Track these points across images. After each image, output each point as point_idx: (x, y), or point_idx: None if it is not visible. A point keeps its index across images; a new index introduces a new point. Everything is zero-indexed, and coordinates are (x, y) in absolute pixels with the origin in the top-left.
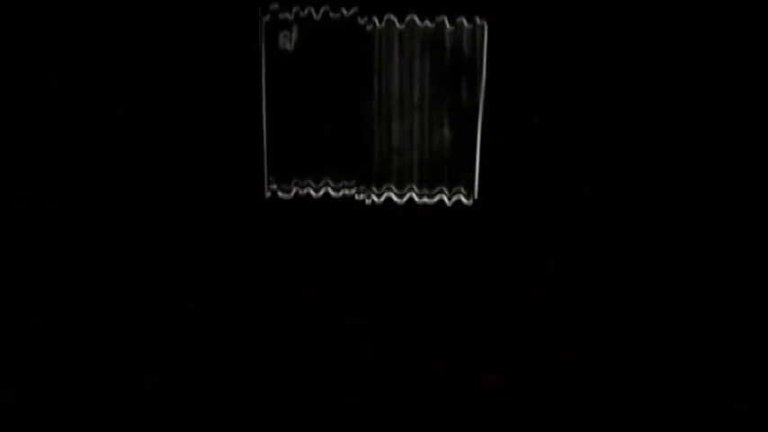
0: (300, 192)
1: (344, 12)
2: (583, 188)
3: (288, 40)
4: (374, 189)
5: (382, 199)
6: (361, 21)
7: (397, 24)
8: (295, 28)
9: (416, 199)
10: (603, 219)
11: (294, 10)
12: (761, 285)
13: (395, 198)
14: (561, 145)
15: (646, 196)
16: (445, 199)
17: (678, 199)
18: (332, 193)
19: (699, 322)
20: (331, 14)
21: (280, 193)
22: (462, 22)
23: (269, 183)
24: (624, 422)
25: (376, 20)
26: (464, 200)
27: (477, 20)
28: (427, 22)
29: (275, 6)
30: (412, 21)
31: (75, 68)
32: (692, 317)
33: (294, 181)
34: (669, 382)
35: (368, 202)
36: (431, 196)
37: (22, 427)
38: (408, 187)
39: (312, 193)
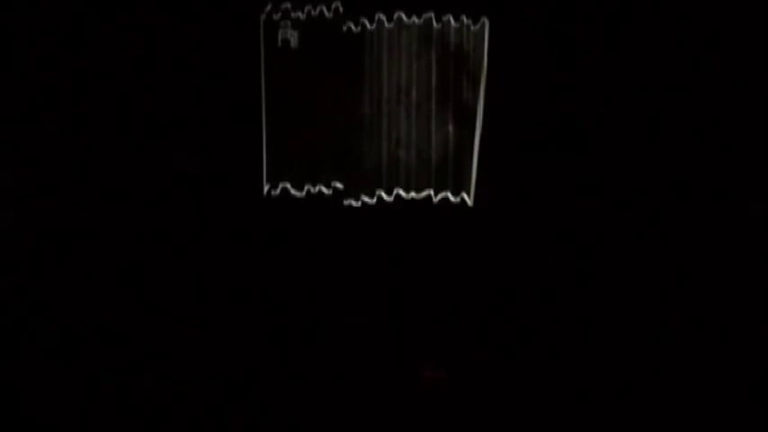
0: (300, 190)
1: (345, 10)
2: (583, 188)
3: (287, 38)
4: (373, 189)
5: (382, 198)
6: (363, 19)
7: (405, 21)
8: (294, 26)
9: (417, 198)
10: (603, 219)
11: (294, 8)
12: (761, 285)
13: (396, 197)
14: (561, 144)
15: (645, 196)
16: (450, 197)
17: (678, 199)
18: (330, 191)
19: (699, 322)
20: (331, 12)
21: (275, 192)
22: (463, 21)
23: (267, 181)
24: (624, 423)
25: (377, 18)
26: (466, 199)
27: (478, 19)
28: (430, 21)
29: (274, 5)
30: (411, 19)
31: (74, 67)
32: (692, 317)
33: (294, 180)
34: (669, 382)
35: (370, 202)
36: (432, 196)
37: (23, 426)
38: (412, 187)
39: (311, 191)
